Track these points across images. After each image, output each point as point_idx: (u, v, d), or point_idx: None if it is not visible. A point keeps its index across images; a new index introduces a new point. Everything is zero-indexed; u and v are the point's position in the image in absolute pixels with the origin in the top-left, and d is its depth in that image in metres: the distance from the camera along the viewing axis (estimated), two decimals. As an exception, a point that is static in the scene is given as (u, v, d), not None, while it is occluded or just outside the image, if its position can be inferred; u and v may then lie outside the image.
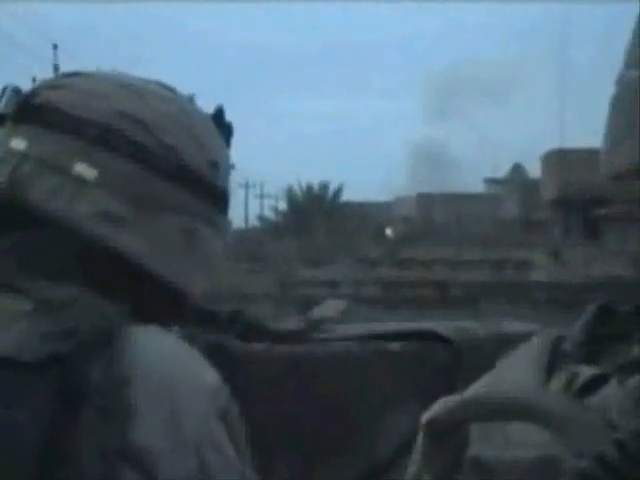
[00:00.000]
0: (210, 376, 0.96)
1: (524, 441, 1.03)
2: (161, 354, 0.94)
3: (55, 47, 32.21)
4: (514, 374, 1.11)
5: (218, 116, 1.10)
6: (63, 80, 1.07)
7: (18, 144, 1.02)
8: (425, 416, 1.07)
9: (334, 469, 1.96)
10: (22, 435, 0.86)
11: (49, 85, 1.06)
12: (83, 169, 1.00)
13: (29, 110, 1.04)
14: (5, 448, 0.86)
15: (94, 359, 0.90)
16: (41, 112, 1.03)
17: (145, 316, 0.99)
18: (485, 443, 1.04)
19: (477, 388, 1.13)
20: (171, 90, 1.09)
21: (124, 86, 1.05)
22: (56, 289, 0.96)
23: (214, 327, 1.81)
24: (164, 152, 1.02)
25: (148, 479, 0.88)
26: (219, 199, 1.08)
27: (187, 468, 0.90)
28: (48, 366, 0.88)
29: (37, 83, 1.07)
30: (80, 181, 1.00)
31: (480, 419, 1.04)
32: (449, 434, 1.05)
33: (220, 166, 1.08)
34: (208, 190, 1.06)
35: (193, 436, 0.91)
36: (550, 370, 1.14)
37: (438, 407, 1.06)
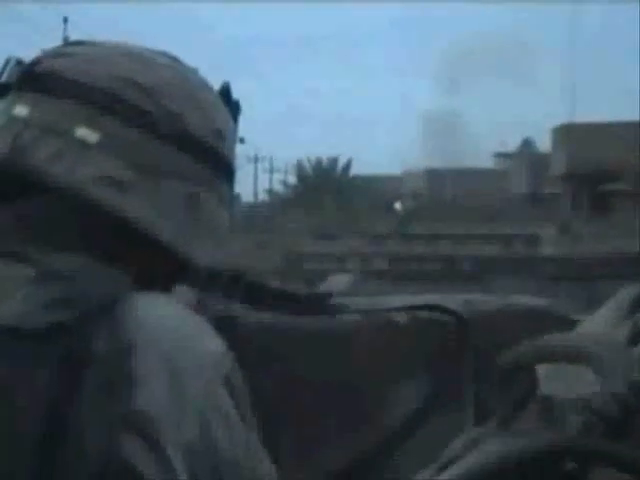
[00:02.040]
0: (214, 343, 0.96)
1: (591, 379, 1.07)
2: (164, 321, 0.94)
3: (65, 20, 32.14)
4: (592, 322, 1.20)
5: (225, 92, 1.10)
6: (66, 48, 1.07)
7: (20, 111, 1.01)
8: (498, 360, 1.14)
9: (344, 441, 1.96)
10: (25, 403, 0.86)
11: (52, 54, 1.06)
12: (85, 133, 0.99)
13: (32, 78, 1.03)
14: (8, 416, 0.86)
15: (97, 327, 0.89)
16: (44, 79, 1.02)
17: (148, 282, 0.99)
18: (553, 382, 1.10)
19: (550, 336, 1.21)
20: (176, 60, 1.08)
21: (127, 54, 1.05)
22: (59, 257, 0.95)
23: (216, 289, 1.81)
24: (167, 118, 1.02)
25: (151, 446, 0.88)
26: (224, 168, 1.07)
27: (191, 434, 0.90)
28: (51, 334, 0.88)
29: (41, 53, 1.07)
30: (82, 145, 0.99)
31: (544, 361, 1.10)
32: (518, 375, 1.11)
33: (225, 135, 1.07)
34: (212, 157, 1.05)
35: (196, 402, 0.91)
36: (624, 318, 1.21)
37: (510, 351, 1.13)
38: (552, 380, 1.11)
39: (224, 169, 1.07)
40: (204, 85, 1.08)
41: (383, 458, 1.95)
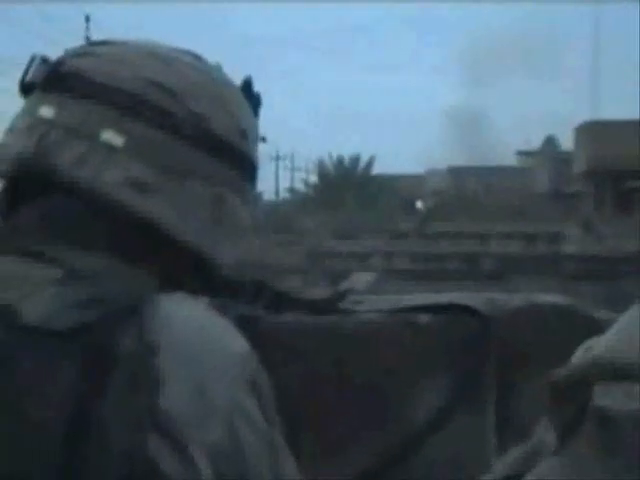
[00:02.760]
0: (238, 344, 0.96)
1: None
2: (189, 322, 0.94)
3: (87, 19, 32.24)
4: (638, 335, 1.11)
5: (246, 87, 1.10)
6: (91, 48, 1.06)
7: (46, 112, 1.01)
8: (551, 375, 1.08)
9: (364, 442, 1.96)
10: (50, 403, 0.87)
11: (77, 53, 1.06)
12: (111, 136, 0.99)
13: (57, 78, 1.03)
14: (34, 414, 0.86)
15: (123, 328, 0.89)
16: (69, 80, 1.02)
17: (173, 285, 0.99)
18: (608, 395, 1.05)
19: (605, 344, 1.12)
20: (199, 59, 1.08)
21: (152, 54, 1.05)
22: (84, 257, 0.95)
23: (241, 298, 1.81)
24: (192, 120, 1.01)
25: (175, 445, 0.88)
26: (248, 168, 1.07)
27: (215, 435, 0.90)
28: (77, 334, 0.88)
29: (66, 52, 1.07)
30: (108, 148, 0.99)
31: (603, 379, 1.05)
32: (573, 390, 1.06)
33: (249, 135, 1.07)
34: (237, 158, 1.05)
35: (221, 404, 0.91)
36: None
37: (565, 366, 1.07)
38: (606, 392, 1.06)
39: (248, 168, 1.07)
40: (227, 83, 1.08)
41: (406, 458, 1.95)
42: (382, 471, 1.95)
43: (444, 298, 2.07)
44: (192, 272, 1.04)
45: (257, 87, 1.11)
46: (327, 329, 1.96)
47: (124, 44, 1.07)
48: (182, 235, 1.00)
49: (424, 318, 2.00)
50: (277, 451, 0.95)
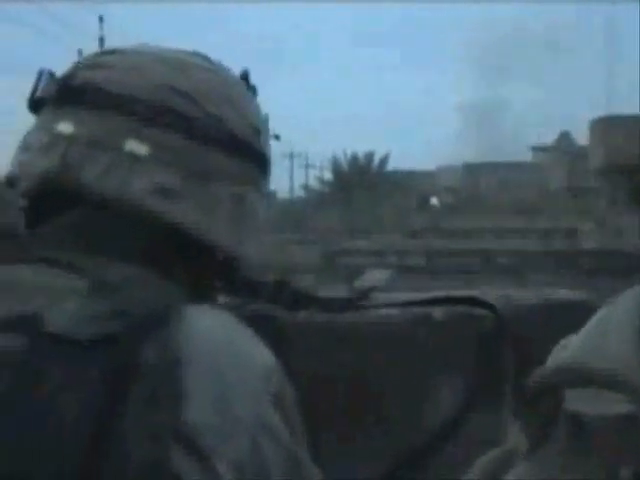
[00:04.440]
0: (264, 357, 0.95)
1: (618, 397, 1.03)
2: (214, 335, 0.93)
3: (101, 20, 32.31)
4: (608, 340, 1.11)
5: (243, 79, 1.10)
6: (100, 59, 1.05)
7: (64, 128, 1.01)
8: (527, 380, 1.09)
9: (380, 439, 1.96)
10: (71, 413, 0.86)
11: (87, 65, 1.05)
12: (135, 146, 0.99)
13: (71, 92, 1.02)
14: (55, 425, 0.86)
15: (147, 340, 0.89)
16: (84, 93, 1.02)
17: (201, 290, 0.99)
18: (578, 399, 1.06)
19: (572, 350, 1.14)
20: (207, 59, 1.08)
21: (163, 60, 1.04)
22: (112, 268, 0.95)
23: (261, 298, 1.81)
24: (212, 122, 1.02)
25: (200, 459, 0.87)
26: (263, 163, 1.07)
27: (239, 449, 0.89)
28: (99, 345, 0.88)
29: (73, 64, 1.06)
30: (133, 158, 0.99)
31: (572, 386, 1.05)
32: (544, 395, 1.07)
33: (261, 130, 1.07)
34: (254, 156, 1.05)
35: (245, 418, 0.90)
36: None
37: (539, 370, 1.08)
38: (576, 396, 1.07)
39: (263, 164, 1.08)
40: (237, 82, 1.08)
41: (422, 457, 1.95)
42: (399, 469, 1.95)
43: (459, 294, 2.06)
44: (219, 274, 1.04)
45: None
46: (342, 326, 1.95)
47: (133, 52, 1.06)
48: (210, 238, 1.00)
49: (438, 313, 1.99)
50: (301, 467, 0.94)
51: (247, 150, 1.05)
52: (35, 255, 0.97)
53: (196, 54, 1.08)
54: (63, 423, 0.86)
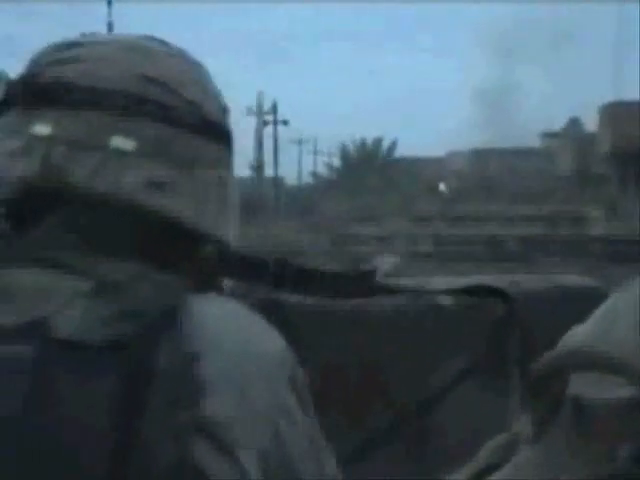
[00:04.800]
0: (275, 342, 0.94)
1: (621, 381, 1.03)
2: (225, 325, 0.92)
3: (109, 3, 32.23)
4: (615, 327, 1.12)
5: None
6: (65, 53, 1.00)
7: (41, 129, 0.97)
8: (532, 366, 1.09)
9: (385, 426, 1.96)
10: (89, 420, 0.85)
11: (53, 61, 1.00)
12: (120, 142, 0.97)
13: (41, 92, 0.98)
14: (73, 432, 0.85)
15: (158, 340, 0.88)
16: (56, 91, 0.98)
17: (205, 277, 0.98)
18: (583, 384, 1.06)
19: (582, 334, 1.14)
20: (164, 43, 1.05)
21: (129, 47, 1.01)
22: (112, 266, 0.93)
23: (265, 279, 1.80)
24: (189, 108, 1.00)
25: (221, 448, 0.87)
26: (231, 142, 1.05)
27: (262, 438, 0.89)
28: (112, 350, 0.86)
29: (32, 62, 1.01)
30: (120, 154, 0.97)
31: (576, 370, 1.06)
32: (549, 381, 1.07)
33: (227, 110, 1.06)
34: (226, 136, 1.04)
35: (264, 405, 0.90)
36: None
37: (544, 357, 1.08)
38: (579, 380, 1.07)
39: (231, 142, 1.06)
40: (198, 63, 1.06)
41: (427, 444, 1.95)
42: (407, 453, 1.95)
43: (467, 282, 2.06)
44: (214, 262, 1.03)
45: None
46: (349, 312, 1.95)
47: (97, 43, 1.02)
48: (203, 227, 0.99)
49: (449, 301, 1.99)
50: (317, 448, 0.94)
51: (221, 132, 1.03)
52: (28, 257, 0.94)
53: (152, 38, 1.05)
54: (82, 431, 0.84)
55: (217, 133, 1.02)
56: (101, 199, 0.96)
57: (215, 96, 1.04)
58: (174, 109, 0.99)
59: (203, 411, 0.87)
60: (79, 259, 0.94)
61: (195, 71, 1.04)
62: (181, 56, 1.04)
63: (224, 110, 1.05)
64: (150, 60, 1.01)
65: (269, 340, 0.94)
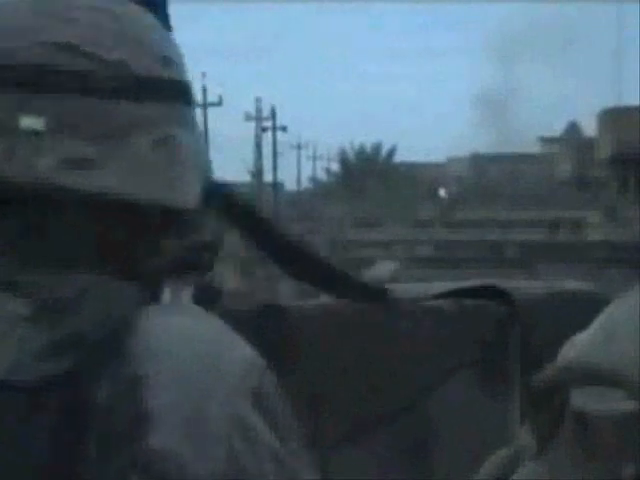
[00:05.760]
0: (239, 353, 0.86)
1: (623, 395, 1.04)
2: (179, 340, 0.85)
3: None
4: (615, 338, 1.11)
5: (152, 11, 0.94)
6: None
7: None
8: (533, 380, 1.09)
9: (388, 430, 1.96)
10: (26, 461, 0.80)
11: None
12: (30, 121, 0.86)
13: None
14: (10, 477, 0.79)
15: (102, 371, 0.81)
16: None
17: (191, 258, 0.90)
18: (585, 397, 1.06)
19: (580, 347, 1.13)
20: None
21: (40, 10, 0.89)
22: (60, 281, 0.85)
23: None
24: (110, 71, 0.88)
25: None
26: (181, 92, 0.93)
27: (213, 463, 0.82)
28: (48, 387, 0.80)
29: None
30: (31, 135, 0.86)
31: (578, 384, 1.06)
32: (551, 394, 1.07)
33: (172, 59, 0.93)
34: (169, 89, 0.91)
35: (219, 426, 0.82)
36: None
37: (545, 371, 1.08)
38: (581, 395, 1.07)
39: (181, 93, 0.94)
40: (134, 14, 0.92)
41: (428, 450, 1.95)
42: (406, 457, 1.95)
43: (468, 286, 2.06)
44: (173, 234, 0.90)
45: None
46: (350, 316, 1.96)
47: (1, 9, 0.90)
48: (143, 196, 0.88)
49: (451, 305, 1.99)
50: (286, 464, 0.85)
51: (159, 86, 0.90)
52: None
53: None
54: (18, 474, 0.79)
55: (152, 89, 0.90)
56: (15, 187, 0.86)
57: (151, 46, 0.91)
58: (90, 76, 0.87)
59: (147, 445, 0.80)
60: (20, 274, 0.85)
61: (124, 23, 0.90)
62: (108, 9, 0.91)
63: (167, 60, 0.92)
64: (63, 22, 0.89)
65: (229, 351, 0.86)
